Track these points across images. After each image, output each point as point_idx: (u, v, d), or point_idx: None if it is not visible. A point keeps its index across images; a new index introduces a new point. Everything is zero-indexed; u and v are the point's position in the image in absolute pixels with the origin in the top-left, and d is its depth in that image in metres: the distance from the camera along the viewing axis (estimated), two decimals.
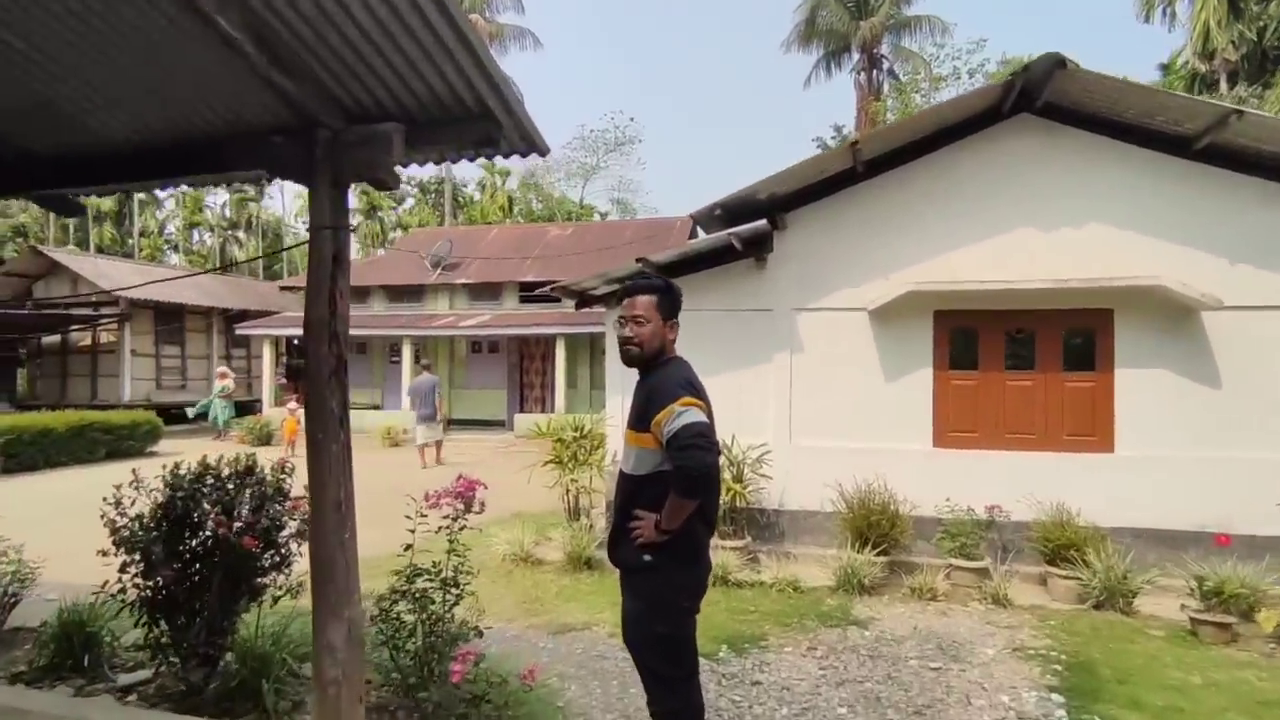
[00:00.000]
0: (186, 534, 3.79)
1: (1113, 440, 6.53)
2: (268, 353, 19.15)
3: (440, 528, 3.77)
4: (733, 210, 6.90)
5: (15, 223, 36.31)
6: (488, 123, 2.80)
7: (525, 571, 6.57)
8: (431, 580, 3.68)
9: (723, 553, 6.41)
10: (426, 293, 19.91)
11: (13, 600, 4.67)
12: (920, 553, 6.56)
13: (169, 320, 21.16)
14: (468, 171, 55.10)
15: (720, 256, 7.14)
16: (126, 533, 3.71)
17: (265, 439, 17.02)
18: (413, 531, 3.84)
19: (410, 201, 47.97)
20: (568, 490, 6.66)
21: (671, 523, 2.42)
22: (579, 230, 22.77)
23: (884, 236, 6.97)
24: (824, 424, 7.09)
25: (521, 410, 18.83)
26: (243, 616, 3.91)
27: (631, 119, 59.35)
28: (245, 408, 20.85)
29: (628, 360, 2.70)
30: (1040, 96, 6.30)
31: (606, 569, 6.09)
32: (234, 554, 3.73)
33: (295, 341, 22.71)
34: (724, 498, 6.63)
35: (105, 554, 3.65)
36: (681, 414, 2.37)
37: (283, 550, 4.12)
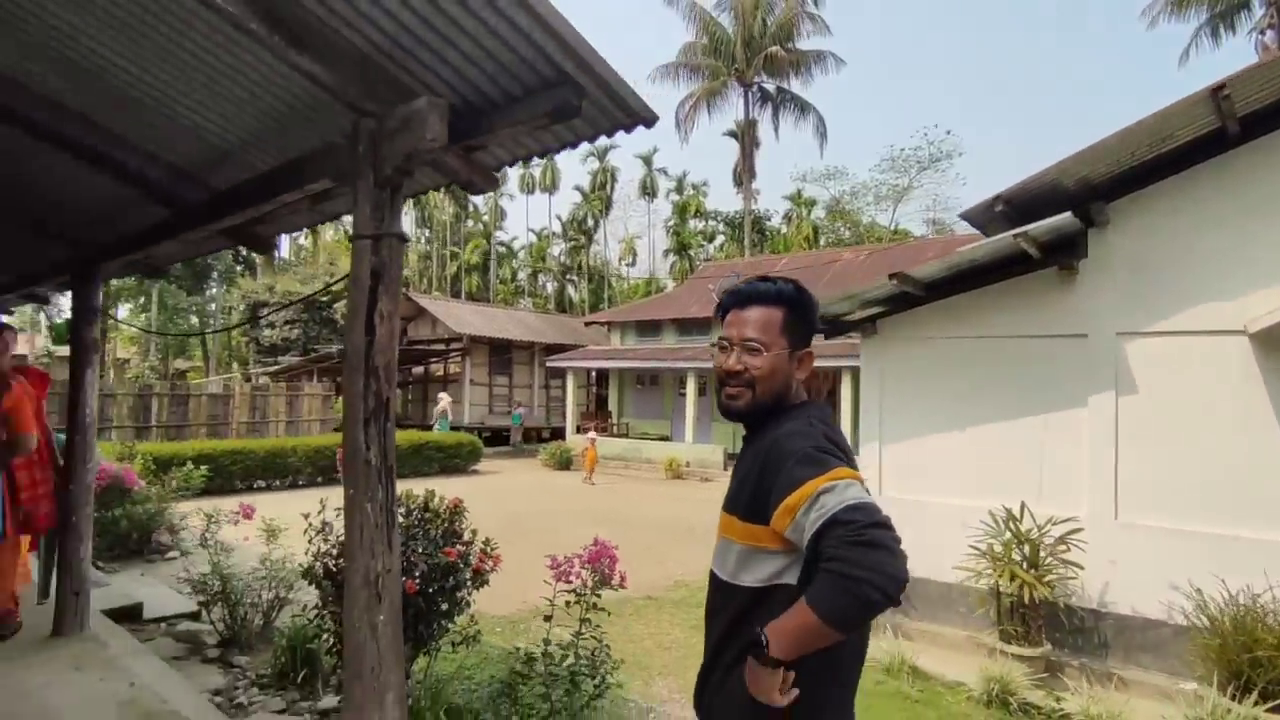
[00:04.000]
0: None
1: None
2: (570, 383, 20.76)
3: (568, 601, 3.14)
4: (1022, 205, 5.23)
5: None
6: (563, 88, 2.14)
7: None
8: (555, 667, 3.05)
9: (1006, 660, 4.77)
10: (713, 326, 19.96)
11: (283, 602, 5.13)
12: None
13: (500, 354, 24.31)
14: (773, 204, 55.30)
15: (1005, 267, 5.49)
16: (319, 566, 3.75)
17: (565, 464, 18.37)
18: (551, 601, 3.27)
19: (720, 239, 49.69)
20: None
21: (786, 650, 1.43)
22: (875, 254, 20.92)
23: (1276, 222, 4.71)
24: (1170, 497, 4.96)
25: None
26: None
27: (948, 132, 54.15)
28: (558, 433, 23.02)
29: (729, 411, 1.75)
30: None
31: None
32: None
33: (592, 373, 24.45)
34: (1009, 588, 4.97)
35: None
36: (834, 490, 1.38)
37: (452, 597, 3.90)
